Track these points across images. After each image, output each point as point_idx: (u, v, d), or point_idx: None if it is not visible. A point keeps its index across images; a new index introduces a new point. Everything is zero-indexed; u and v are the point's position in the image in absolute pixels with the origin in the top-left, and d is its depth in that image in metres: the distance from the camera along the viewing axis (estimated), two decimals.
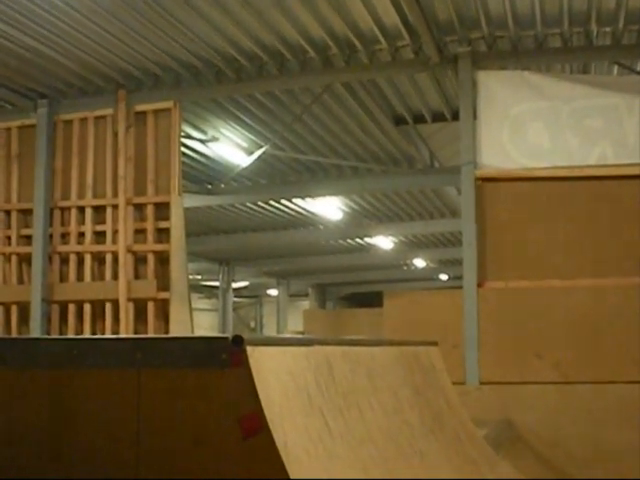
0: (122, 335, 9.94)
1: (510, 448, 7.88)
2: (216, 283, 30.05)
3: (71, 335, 10.62)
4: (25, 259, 11.27)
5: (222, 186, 16.62)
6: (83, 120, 11.22)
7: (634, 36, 9.75)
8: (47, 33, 9.64)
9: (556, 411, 8.89)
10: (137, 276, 10.81)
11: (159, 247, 10.72)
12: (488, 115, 9.77)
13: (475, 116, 9.81)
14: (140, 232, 10.86)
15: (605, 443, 8.56)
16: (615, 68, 10.98)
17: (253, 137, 14.05)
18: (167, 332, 10.42)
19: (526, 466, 7.67)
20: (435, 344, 6.83)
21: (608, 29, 9.69)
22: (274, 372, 3.67)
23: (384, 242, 25.62)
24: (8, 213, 11.43)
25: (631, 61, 10.64)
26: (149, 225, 10.78)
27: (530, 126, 9.70)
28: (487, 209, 9.57)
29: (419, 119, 13.38)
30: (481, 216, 9.47)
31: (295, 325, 31.72)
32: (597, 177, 9.38)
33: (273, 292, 36.98)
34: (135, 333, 10.46)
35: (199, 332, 19.71)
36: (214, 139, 13.97)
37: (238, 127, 13.54)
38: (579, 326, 9.09)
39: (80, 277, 10.98)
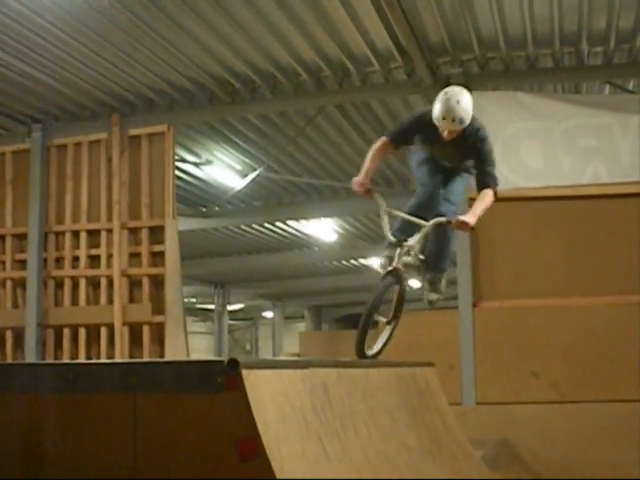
0: (117, 359, 9.90)
1: (507, 468, 7.85)
2: (211, 306, 29.92)
3: (66, 360, 10.57)
4: (20, 284, 11.23)
5: (216, 209, 16.63)
6: (77, 145, 11.22)
7: (625, 55, 9.80)
8: (40, 58, 9.66)
9: (553, 430, 8.86)
10: (132, 300, 10.78)
11: (154, 271, 10.70)
12: None
13: None
14: (135, 256, 10.85)
15: (603, 461, 8.52)
16: (607, 87, 11.01)
17: (247, 160, 14.05)
18: (162, 356, 10.38)
19: None
20: (431, 365, 6.83)
21: (599, 49, 9.74)
22: (270, 395, 3.66)
23: (379, 263, 25.57)
24: (3, 238, 11.40)
25: (623, 80, 10.66)
26: (144, 249, 10.77)
27: (523, 146, 9.73)
28: (481, 229, 9.54)
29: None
30: (475, 237, 9.46)
31: (291, 347, 31.58)
32: (591, 196, 9.40)
33: (268, 314, 36.83)
34: (130, 357, 10.42)
35: (194, 356, 19.64)
36: (208, 162, 13.97)
37: (232, 150, 13.54)
38: (575, 345, 9.08)
39: (75, 301, 10.94)
